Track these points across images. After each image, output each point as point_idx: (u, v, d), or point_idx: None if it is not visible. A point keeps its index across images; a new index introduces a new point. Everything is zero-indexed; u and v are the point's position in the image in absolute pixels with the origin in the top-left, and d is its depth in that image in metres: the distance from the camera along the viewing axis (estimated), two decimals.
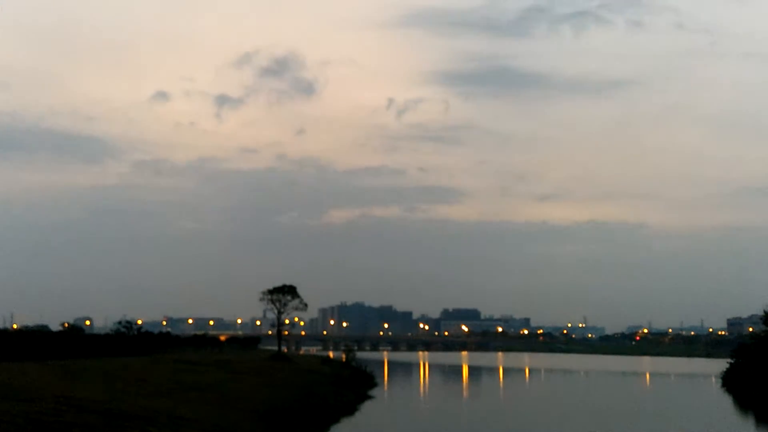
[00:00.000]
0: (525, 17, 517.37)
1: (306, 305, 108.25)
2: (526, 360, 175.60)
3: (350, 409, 49.28)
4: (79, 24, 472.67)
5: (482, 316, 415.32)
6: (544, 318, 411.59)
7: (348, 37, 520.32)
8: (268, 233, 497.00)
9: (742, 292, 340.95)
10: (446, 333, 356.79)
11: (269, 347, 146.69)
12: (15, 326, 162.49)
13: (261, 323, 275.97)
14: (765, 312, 76.28)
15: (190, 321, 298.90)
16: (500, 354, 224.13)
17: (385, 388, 75.73)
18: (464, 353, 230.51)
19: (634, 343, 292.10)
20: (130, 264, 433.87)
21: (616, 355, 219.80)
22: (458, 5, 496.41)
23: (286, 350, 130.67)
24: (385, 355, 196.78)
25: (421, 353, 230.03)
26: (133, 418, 28.12)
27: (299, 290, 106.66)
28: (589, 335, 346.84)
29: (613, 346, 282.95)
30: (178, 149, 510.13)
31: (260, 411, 38.73)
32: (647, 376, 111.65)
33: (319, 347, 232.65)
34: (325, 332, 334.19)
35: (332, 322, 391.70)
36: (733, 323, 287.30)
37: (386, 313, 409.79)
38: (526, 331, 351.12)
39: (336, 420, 43.23)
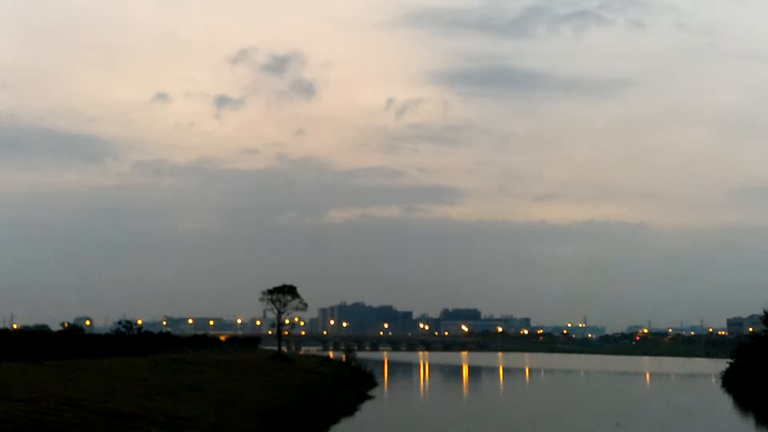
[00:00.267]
0: (525, 17, 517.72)
1: (306, 305, 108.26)
2: (526, 360, 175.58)
3: (350, 409, 49.25)
4: (80, 24, 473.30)
5: (482, 316, 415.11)
6: (544, 318, 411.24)
7: (348, 38, 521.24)
8: (268, 233, 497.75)
9: (742, 292, 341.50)
10: (446, 333, 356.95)
11: (269, 347, 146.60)
12: (15, 326, 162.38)
13: (261, 323, 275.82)
14: (765, 312, 76.35)
15: (190, 321, 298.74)
16: (500, 354, 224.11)
17: (385, 388, 75.73)
18: (464, 353, 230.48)
19: (634, 343, 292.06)
20: (130, 264, 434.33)
21: (616, 355, 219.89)
22: (458, 5, 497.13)
23: (286, 350, 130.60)
24: (385, 355, 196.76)
25: (421, 353, 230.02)
26: (133, 418, 28.13)
27: (299, 290, 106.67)
28: (589, 335, 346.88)
29: (613, 346, 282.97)
30: (179, 149, 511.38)
31: (260, 411, 38.73)
32: (647, 376, 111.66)
33: (319, 347, 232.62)
34: (325, 332, 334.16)
35: (332, 322, 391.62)
36: (733, 323, 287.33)
37: (386, 313, 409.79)
38: (526, 331, 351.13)
39: (336, 420, 43.21)
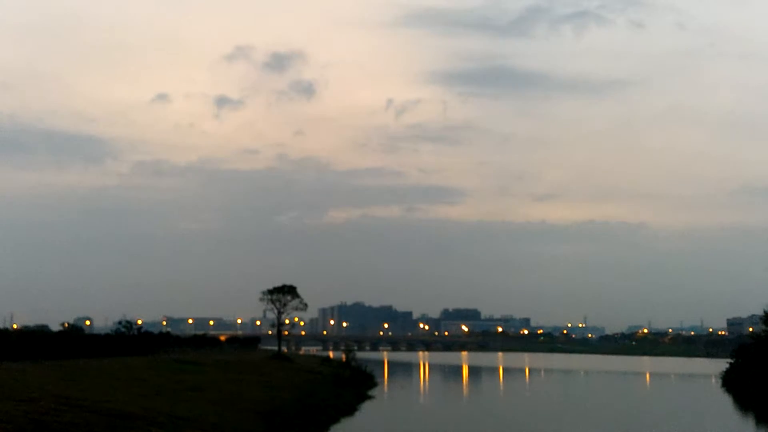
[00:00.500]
0: (525, 17, 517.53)
1: (306, 305, 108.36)
2: (526, 360, 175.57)
3: (350, 409, 49.25)
4: (80, 25, 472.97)
5: (482, 316, 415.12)
6: (544, 318, 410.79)
7: (348, 38, 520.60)
8: (268, 233, 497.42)
9: (742, 292, 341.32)
10: (446, 333, 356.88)
11: (269, 347, 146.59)
12: (15, 326, 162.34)
13: (261, 323, 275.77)
14: (765, 312, 76.32)
15: (190, 321, 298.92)
16: (500, 354, 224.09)
17: (385, 388, 75.72)
18: (464, 353, 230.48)
19: (634, 343, 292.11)
20: (130, 264, 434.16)
21: (616, 355, 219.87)
22: (458, 5, 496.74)
23: (286, 350, 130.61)
24: (385, 355, 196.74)
25: (421, 353, 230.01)
26: (133, 418, 28.13)
27: (299, 290, 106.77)
28: (589, 335, 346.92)
29: (613, 346, 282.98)
30: (179, 150, 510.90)
31: (260, 411, 38.74)
32: (647, 376, 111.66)
33: (319, 347, 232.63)
34: (325, 332, 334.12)
35: (332, 322, 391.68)
36: (733, 323, 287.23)
37: (386, 313, 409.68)
38: (526, 331, 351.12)
39: (336, 420, 43.21)
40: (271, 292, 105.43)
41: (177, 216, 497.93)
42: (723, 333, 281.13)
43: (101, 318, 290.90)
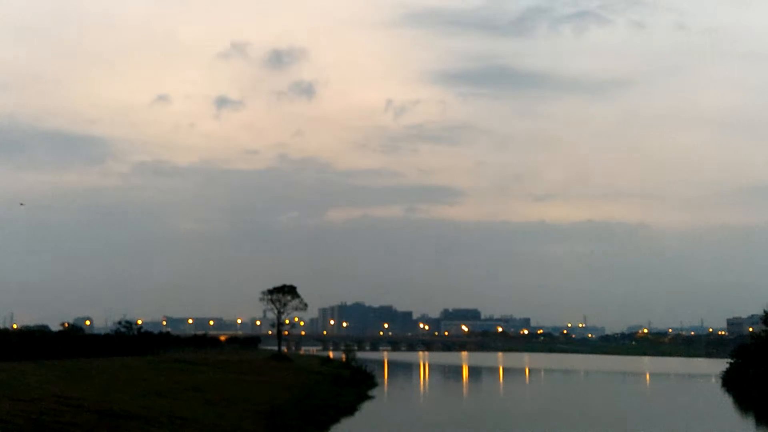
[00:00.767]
0: (525, 17, 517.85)
1: (306, 305, 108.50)
2: (526, 360, 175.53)
3: (350, 409, 49.22)
4: (80, 25, 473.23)
5: (482, 316, 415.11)
6: (544, 318, 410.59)
7: (348, 38, 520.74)
8: (268, 233, 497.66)
9: (742, 292, 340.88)
10: (446, 333, 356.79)
11: (269, 347, 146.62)
12: (15, 326, 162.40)
13: (261, 323, 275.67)
14: (765, 312, 76.31)
15: (190, 321, 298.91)
16: (500, 354, 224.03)
17: (385, 388, 75.68)
18: (464, 353, 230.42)
19: (634, 343, 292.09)
20: (130, 264, 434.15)
21: (616, 355, 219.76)
22: (458, 5, 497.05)
23: (286, 350, 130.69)
24: (385, 355, 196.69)
25: (421, 353, 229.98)
26: (133, 418, 28.12)
27: (299, 290, 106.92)
28: (589, 335, 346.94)
29: (613, 346, 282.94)
30: (179, 150, 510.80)
31: (260, 411, 38.73)
32: (647, 376, 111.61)
33: (319, 347, 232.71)
34: (325, 332, 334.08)
35: (332, 322, 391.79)
36: (733, 323, 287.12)
37: (386, 313, 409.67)
38: (526, 331, 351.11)
39: (336, 420, 43.19)
40: (271, 292, 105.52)
41: (177, 216, 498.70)
42: (723, 333, 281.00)
43: (101, 318, 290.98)
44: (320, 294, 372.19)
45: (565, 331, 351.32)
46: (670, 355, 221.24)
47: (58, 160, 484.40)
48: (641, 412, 54.22)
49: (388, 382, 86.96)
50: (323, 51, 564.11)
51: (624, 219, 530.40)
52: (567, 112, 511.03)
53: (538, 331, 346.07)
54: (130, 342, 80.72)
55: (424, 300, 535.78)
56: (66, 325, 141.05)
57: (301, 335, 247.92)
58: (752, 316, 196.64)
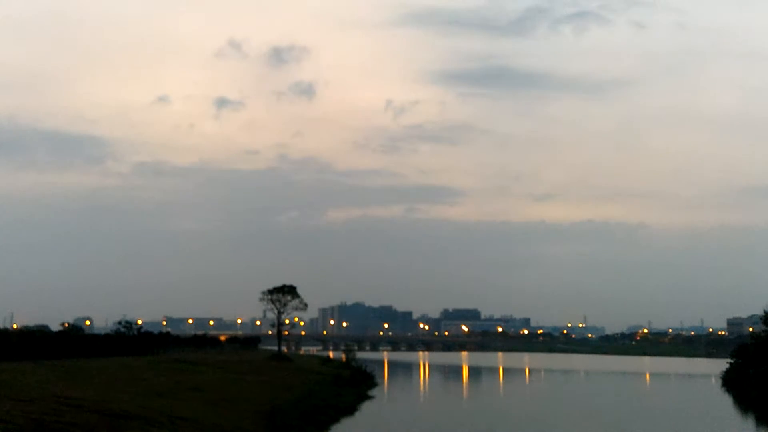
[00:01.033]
0: (525, 17, 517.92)
1: (306, 305, 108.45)
2: (526, 360, 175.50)
3: (350, 409, 49.23)
4: (81, 26, 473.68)
5: (482, 316, 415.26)
6: (544, 318, 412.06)
7: (347, 38, 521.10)
8: (268, 233, 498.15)
9: (742, 292, 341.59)
10: (446, 333, 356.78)
11: (269, 347, 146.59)
12: (15, 326, 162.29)
13: (261, 323, 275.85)
14: (765, 312, 76.28)
15: (190, 321, 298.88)
16: (500, 354, 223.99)
17: (385, 388, 75.67)
18: (464, 353, 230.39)
19: (634, 343, 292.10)
20: (130, 264, 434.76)
21: (616, 355, 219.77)
22: (458, 5, 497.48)
23: (286, 350, 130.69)
24: (385, 355, 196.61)
25: (421, 353, 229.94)
26: (133, 418, 28.11)
27: (299, 290, 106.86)
28: (589, 335, 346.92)
29: (613, 346, 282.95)
30: (179, 150, 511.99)
31: (260, 411, 38.74)
32: (647, 376, 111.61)
33: (319, 347, 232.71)
34: (325, 332, 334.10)
35: (332, 322, 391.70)
36: (733, 323, 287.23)
37: (386, 313, 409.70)
38: (526, 331, 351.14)
39: (336, 420, 43.19)
40: (271, 292, 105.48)
41: (177, 216, 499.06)
42: (723, 333, 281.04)
43: (101, 318, 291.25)
44: (320, 294, 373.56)
45: (565, 331, 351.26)
46: (670, 355, 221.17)
47: (58, 160, 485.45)
48: (641, 413, 54.21)
49: (388, 382, 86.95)
50: (323, 51, 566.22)
51: (624, 219, 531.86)
52: (567, 112, 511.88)
53: (538, 331, 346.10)
54: (130, 342, 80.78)
55: (424, 300, 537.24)
56: (66, 325, 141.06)
57: (301, 335, 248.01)
58: (752, 316, 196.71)
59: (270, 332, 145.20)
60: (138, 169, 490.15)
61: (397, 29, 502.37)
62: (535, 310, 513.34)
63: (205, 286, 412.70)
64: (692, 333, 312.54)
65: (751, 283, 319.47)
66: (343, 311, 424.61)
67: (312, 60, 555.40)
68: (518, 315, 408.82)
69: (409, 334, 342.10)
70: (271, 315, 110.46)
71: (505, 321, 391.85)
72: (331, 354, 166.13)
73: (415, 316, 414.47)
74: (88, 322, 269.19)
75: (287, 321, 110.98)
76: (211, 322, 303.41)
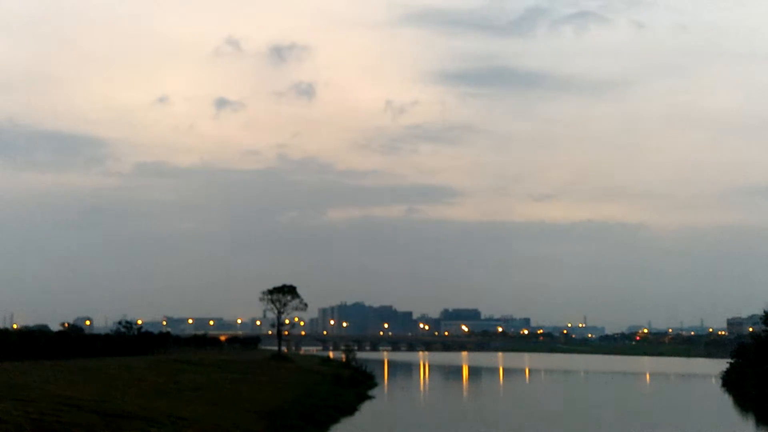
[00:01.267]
0: (525, 17, 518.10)
1: (306, 305, 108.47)
2: (526, 360, 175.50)
3: (350, 409, 49.24)
4: (81, 26, 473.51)
5: (482, 316, 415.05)
6: (544, 318, 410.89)
7: (347, 38, 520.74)
8: (268, 233, 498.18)
9: (742, 292, 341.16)
10: (446, 333, 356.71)
11: (269, 347, 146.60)
12: (15, 326, 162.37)
13: (261, 323, 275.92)
14: (765, 312, 76.20)
15: (190, 321, 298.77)
16: (500, 354, 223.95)
17: (385, 388, 75.70)
18: (464, 353, 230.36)
19: (634, 343, 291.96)
20: (130, 264, 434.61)
21: (616, 355, 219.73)
22: (458, 5, 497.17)
23: (286, 350, 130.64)
24: (385, 355, 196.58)
25: (421, 353, 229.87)
26: (133, 418, 28.11)
27: (299, 290, 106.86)
28: (589, 335, 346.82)
29: (613, 346, 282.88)
30: (179, 151, 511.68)
31: (260, 411, 38.74)
32: (647, 376, 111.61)
33: (319, 347, 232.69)
34: (325, 332, 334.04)
35: (332, 322, 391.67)
36: (733, 323, 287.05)
37: (386, 313, 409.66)
38: (526, 331, 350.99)
39: (336, 420, 43.21)
40: (271, 292, 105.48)
41: (177, 216, 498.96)
42: (723, 333, 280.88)
43: (101, 318, 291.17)
44: (320, 294, 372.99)
45: (565, 331, 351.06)
46: (670, 355, 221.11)
47: (58, 161, 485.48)
48: (641, 413, 54.23)
49: (387, 382, 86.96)
50: (323, 51, 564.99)
51: (624, 219, 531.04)
52: (567, 112, 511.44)
53: (538, 331, 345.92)
54: (130, 342, 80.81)
55: (424, 300, 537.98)
56: (66, 325, 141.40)
57: (301, 335, 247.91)
58: (752, 316, 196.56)
59: (270, 332, 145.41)
60: (138, 169, 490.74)
61: (397, 29, 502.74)
62: (535, 310, 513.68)
63: (205, 286, 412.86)
64: (692, 333, 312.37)
65: (751, 283, 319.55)
66: (343, 311, 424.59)
67: (312, 60, 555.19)
68: (518, 315, 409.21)
69: (409, 334, 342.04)
70: (271, 315, 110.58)
71: (505, 321, 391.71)
72: (331, 354, 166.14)
73: (415, 316, 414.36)
74: (88, 322, 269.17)
75: (287, 321, 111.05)
76: (211, 322, 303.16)
